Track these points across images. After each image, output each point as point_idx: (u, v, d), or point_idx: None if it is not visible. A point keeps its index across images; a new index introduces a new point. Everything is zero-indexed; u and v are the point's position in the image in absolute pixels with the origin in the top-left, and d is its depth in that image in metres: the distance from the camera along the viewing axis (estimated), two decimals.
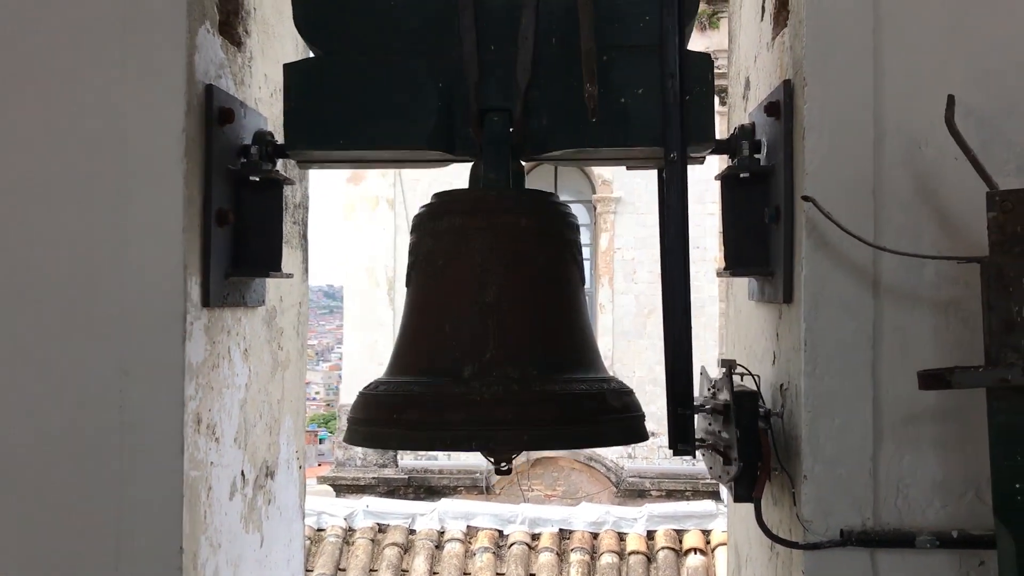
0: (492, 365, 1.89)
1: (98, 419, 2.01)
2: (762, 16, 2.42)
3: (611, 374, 2.11)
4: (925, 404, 1.91)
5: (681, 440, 1.96)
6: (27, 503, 2.02)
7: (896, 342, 1.92)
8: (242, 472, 2.39)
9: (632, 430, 2.00)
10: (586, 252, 17.30)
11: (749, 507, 2.08)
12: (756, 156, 2.17)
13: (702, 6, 15.44)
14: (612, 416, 1.94)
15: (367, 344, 15.15)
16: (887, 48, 1.95)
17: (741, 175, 2.17)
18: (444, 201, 2.08)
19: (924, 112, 1.91)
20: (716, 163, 2.91)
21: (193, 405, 2.04)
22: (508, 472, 1.99)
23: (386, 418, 1.93)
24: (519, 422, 1.84)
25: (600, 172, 15.89)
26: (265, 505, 2.57)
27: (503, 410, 1.84)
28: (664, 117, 1.94)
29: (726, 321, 2.90)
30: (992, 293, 1.65)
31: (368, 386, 2.02)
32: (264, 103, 2.55)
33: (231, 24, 2.34)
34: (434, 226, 2.04)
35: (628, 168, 2.31)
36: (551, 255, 2.02)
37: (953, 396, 1.87)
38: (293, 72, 2.15)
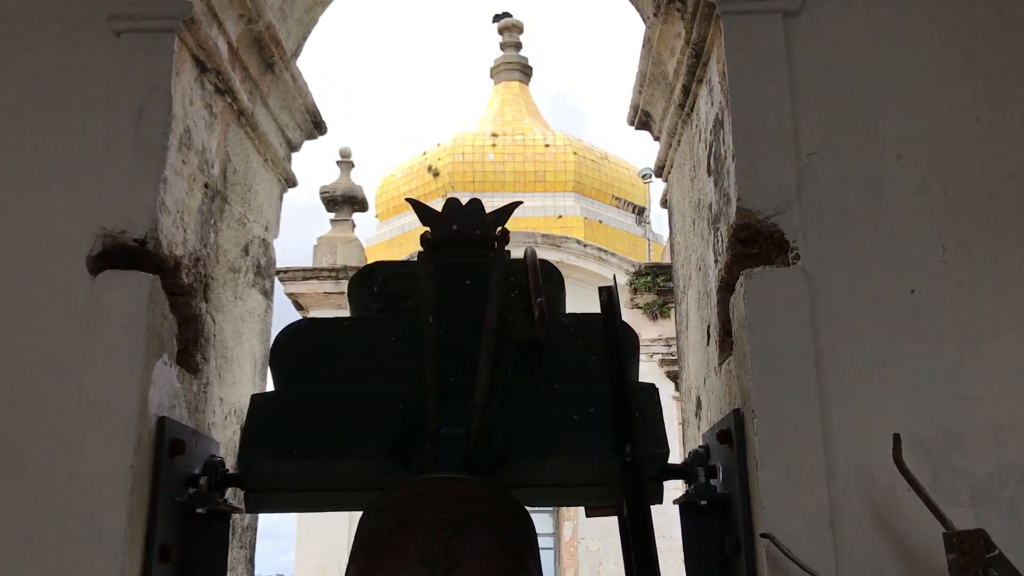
0: None
1: None
2: (708, 341, 2.51)
3: None
4: None
5: None
6: None
7: None
8: None
9: None
10: (548, 542, 16.77)
11: None
12: (712, 482, 2.17)
13: (652, 297, 16.12)
14: None
15: None
16: (830, 381, 2.01)
17: (700, 502, 2.16)
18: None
19: (873, 443, 1.94)
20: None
21: None
22: None
23: None
24: None
25: None
26: None
27: None
28: (616, 432, 1.99)
29: None
30: None
31: None
32: (218, 427, 2.53)
33: (190, 352, 2.37)
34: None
35: (587, 516, 2.30)
36: None
37: None
38: (257, 401, 2.18)
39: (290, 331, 2.25)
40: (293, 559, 16.61)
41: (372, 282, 2.26)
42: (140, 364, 2.05)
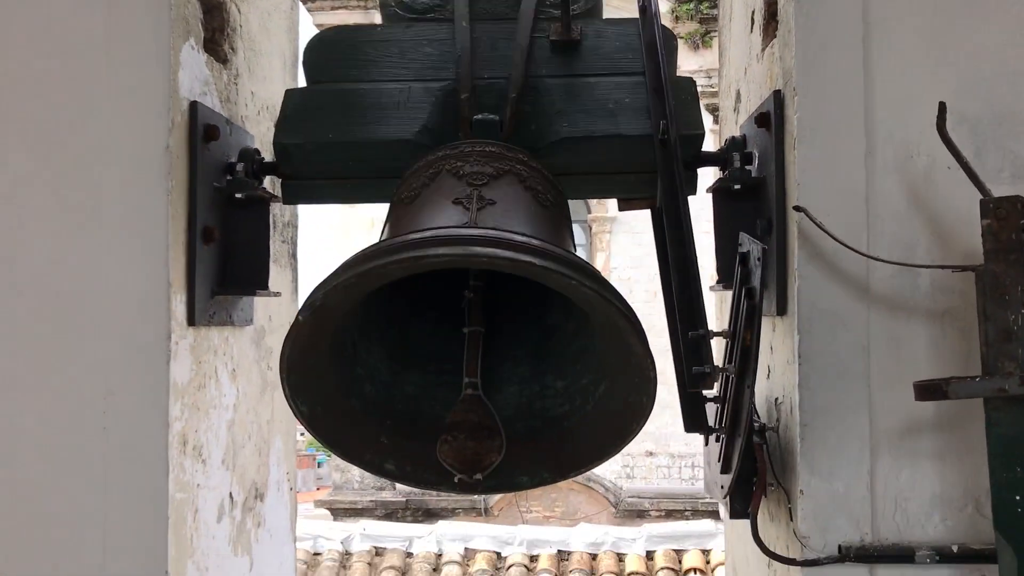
0: (479, 220, 1.74)
1: (82, 440, 1.97)
2: (752, 28, 2.40)
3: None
4: (922, 416, 1.88)
5: (694, 419, 1.97)
6: (9, 525, 1.98)
7: (891, 353, 1.89)
8: (230, 494, 2.34)
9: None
10: None
11: (747, 524, 2.04)
12: (747, 168, 2.15)
13: (694, 26, 15.50)
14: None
15: None
16: (877, 57, 1.93)
17: (733, 187, 2.15)
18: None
19: (915, 121, 1.90)
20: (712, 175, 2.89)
21: (178, 426, 2.01)
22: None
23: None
24: (504, 244, 1.62)
25: None
26: (255, 528, 2.52)
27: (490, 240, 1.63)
28: (652, 108, 2.03)
29: None
30: (988, 302, 1.62)
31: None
32: (251, 120, 2.52)
33: (216, 41, 2.32)
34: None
35: (620, 208, 2.29)
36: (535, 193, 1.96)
37: (951, 407, 1.84)
38: (291, 93, 2.25)
39: (321, 35, 2.28)
40: None
41: None
42: (166, 45, 2.01)
